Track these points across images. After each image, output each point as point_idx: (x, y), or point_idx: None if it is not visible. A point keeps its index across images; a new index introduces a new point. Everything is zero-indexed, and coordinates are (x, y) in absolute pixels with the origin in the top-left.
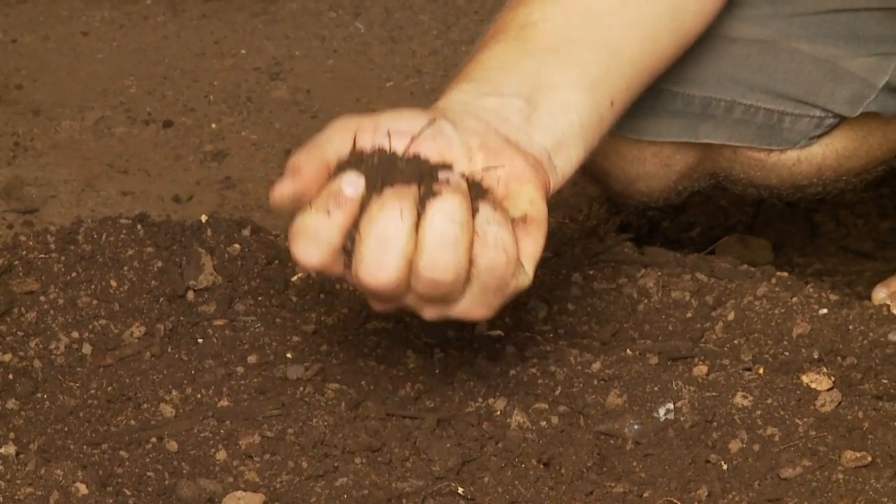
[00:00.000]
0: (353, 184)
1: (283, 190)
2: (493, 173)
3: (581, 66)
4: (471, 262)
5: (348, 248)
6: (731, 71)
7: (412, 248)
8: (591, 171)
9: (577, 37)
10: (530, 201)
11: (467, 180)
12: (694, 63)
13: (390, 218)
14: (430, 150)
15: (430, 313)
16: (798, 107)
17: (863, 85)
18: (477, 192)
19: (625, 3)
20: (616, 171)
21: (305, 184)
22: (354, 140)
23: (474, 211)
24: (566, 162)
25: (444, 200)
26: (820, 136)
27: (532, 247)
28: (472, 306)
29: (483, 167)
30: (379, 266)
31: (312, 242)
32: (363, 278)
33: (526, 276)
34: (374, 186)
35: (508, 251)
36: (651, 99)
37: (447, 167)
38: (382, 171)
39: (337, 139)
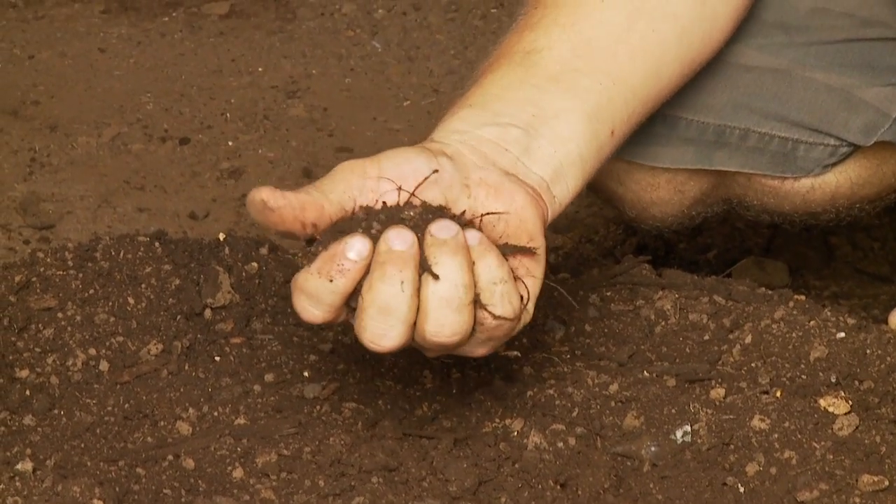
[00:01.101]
0: (356, 250)
1: (273, 216)
2: (493, 216)
3: (583, 95)
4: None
5: (352, 304)
6: (746, 99)
7: (414, 314)
8: (606, 196)
9: (580, 65)
10: (530, 237)
11: (468, 221)
12: (709, 91)
13: (391, 287)
14: (431, 195)
15: (432, 355)
16: (812, 135)
17: (877, 114)
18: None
19: (630, 32)
20: (630, 196)
21: (299, 224)
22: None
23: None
24: (564, 192)
25: (445, 266)
26: (834, 165)
27: (533, 285)
28: (476, 349)
29: (483, 211)
30: (381, 335)
31: (315, 303)
32: (367, 344)
33: (528, 315)
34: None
35: (514, 306)
36: (666, 127)
37: (448, 216)
38: (385, 225)
39: (340, 186)
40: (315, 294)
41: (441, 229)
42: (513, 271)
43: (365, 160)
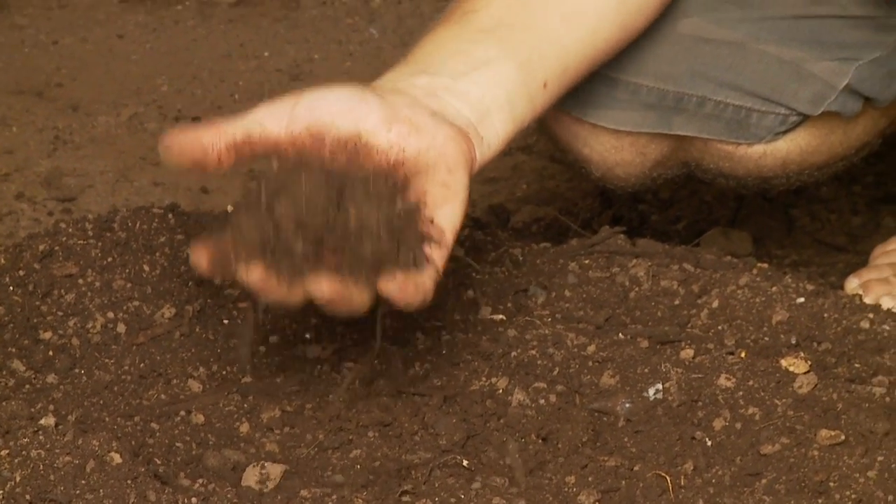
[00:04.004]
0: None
1: (174, 151)
2: (411, 149)
3: (514, 46)
4: None
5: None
6: (703, 69)
7: None
8: (574, 158)
9: (513, 22)
10: (448, 170)
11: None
12: (669, 60)
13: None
14: (345, 125)
15: None
16: (764, 104)
17: (825, 86)
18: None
19: None
20: (596, 157)
21: (199, 148)
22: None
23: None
24: (492, 134)
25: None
26: (784, 133)
27: (451, 216)
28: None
29: (403, 146)
30: None
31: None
32: None
33: (445, 250)
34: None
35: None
36: (629, 93)
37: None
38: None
39: (251, 114)
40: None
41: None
42: (427, 204)
43: (289, 96)
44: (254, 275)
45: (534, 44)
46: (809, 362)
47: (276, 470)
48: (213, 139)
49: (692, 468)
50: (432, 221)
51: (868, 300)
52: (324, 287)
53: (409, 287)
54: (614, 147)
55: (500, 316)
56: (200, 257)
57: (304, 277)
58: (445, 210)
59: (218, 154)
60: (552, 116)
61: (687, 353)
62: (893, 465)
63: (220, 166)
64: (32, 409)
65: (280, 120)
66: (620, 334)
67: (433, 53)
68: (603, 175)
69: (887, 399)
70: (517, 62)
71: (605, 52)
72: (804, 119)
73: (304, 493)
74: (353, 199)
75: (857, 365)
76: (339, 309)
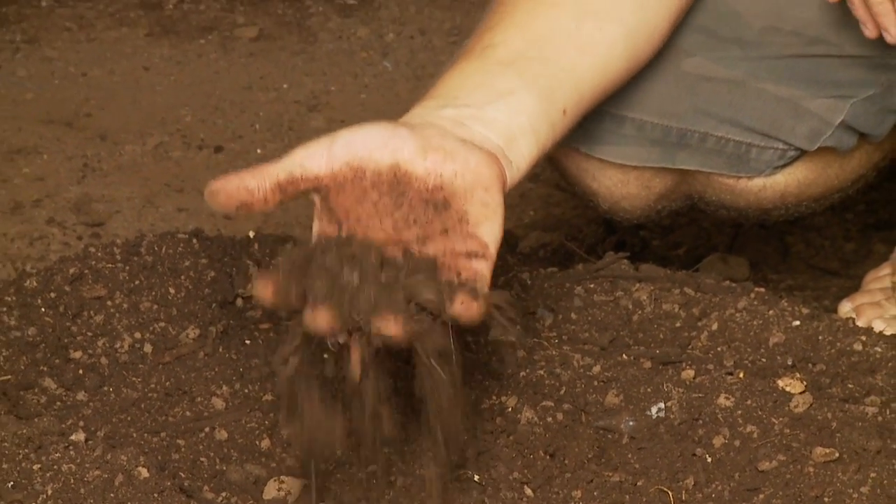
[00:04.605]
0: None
1: (220, 196)
2: (448, 173)
3: (534, 78)
4: None
5: None
6: (705, 106)
7: None
8: (582, 191)
9: (532, 55)
10: (485, 189)
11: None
12: (673, 98)
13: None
14: (382, 157)
15: None
16: (763, 140)
17: (821, 122)
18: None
19: (579, 31)
20: (604, 191)
21: (244, 191)
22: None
23: None
24: (519, 157)
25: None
26: (783, 167)
27: (492, 231)
28: None
29: (440, 172)
30: None
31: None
32: None
33: (489, 264)
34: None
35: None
36: (634, 129)
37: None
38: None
39: (291, 156)
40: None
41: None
42: (469, 223)
43: (323, 137)
44: (320, 319)
45: (551, 74)
46: (805, 382)
47: (295, 484)
48: (258, 183)
49: (693, 483)
50: (475, 237)
51: (861, 323)
52: (391, 327)
53: (473, 304)
54: (621, 181)
55: (511, 338)
56: (265, 291)
57: (371, 321)
58: (486, 227)
59: (264, 195)
60: (562, 153)
61: (688, 373)
62: (886, 482)
63: (267, 206)
64: (63, 426)
65: (319, 159)
66: (624, 355)
67: (457, 87)
68: (610, 208)
69: (879, 418)
70: (537, 92)
71: (615, 81)
72: (802, 154)
73: None
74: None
75: (850, 385)
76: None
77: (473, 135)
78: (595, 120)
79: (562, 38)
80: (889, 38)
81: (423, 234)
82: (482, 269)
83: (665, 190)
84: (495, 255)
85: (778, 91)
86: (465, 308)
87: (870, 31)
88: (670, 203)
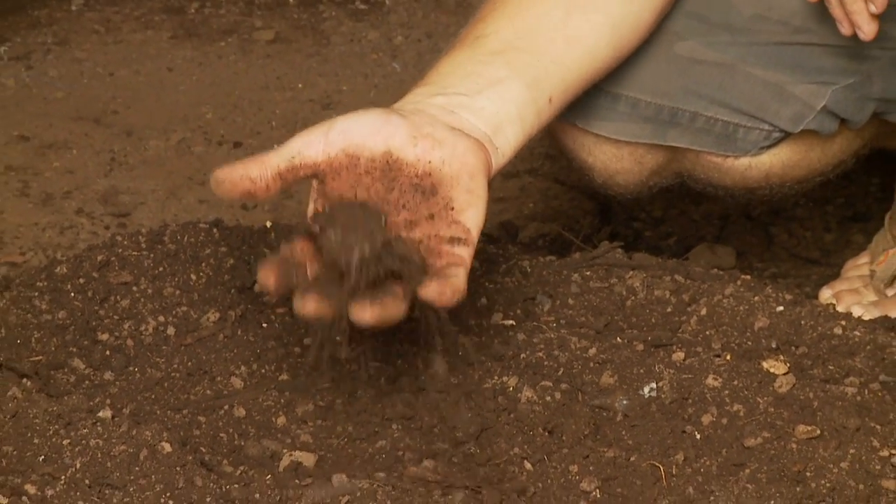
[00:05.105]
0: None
1: (225, 185)
2: (437, 160)
3: (522, 67)
4: None
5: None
6: (696, 87)
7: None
8: (579, 166)
9: (521, 45)
10: (471, 176)
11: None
12: (665, 78)
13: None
14: (375, 144)
15: None
16: (750, 121)
17: (804, 106)
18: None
19: (566, 22)
20: (599, 165)
21: (248, 181)
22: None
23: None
24: (505, 144)
25: None
26: (768, 147)
27: (475, 217)
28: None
29: (428, 159)
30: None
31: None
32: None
33: (470, 250)
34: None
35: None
36: (628, 107)
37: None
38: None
39: (289, 144)
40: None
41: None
42: (454, 209)
43: (321, 124)
44: (308, 306)
45: (539, 64)
46: (788, 364)
47: (309, 458)
48: (259, 172)
49: (683, 459)
50: (459, 223)
51: (840, 309)
52: (366, 315)
53: (447, 291)
54: (615, 156)
55: (511, 321)
56: (268, 279)
57: (352, 306)
58: (470, 213)
59: (266, 184)
60: (561, 128)
61: (678, 355)
62: (864, 458)
63: (268, 193)
64: (91, 403)
65: (317, 146)
66: (618, 338)
67: (449, 75)
68: (605, 182)
69: (858, 398)
70: (525, 81)
71: (600, 70)
72: (786, 136)
73: (335, 479)
74: (387, 229)
75: (830, 367)
76: (381, 327)
77: (462, 123)
78: (592, 97)
79: (550, 30)
80: (862, 36)
81: (410, 219)
82: (464, 254)
83: (657, 166)
84: (476, 240)
85: (765, 76)
86: (438, 294)
87: (845, 29)
88: (662, 179)
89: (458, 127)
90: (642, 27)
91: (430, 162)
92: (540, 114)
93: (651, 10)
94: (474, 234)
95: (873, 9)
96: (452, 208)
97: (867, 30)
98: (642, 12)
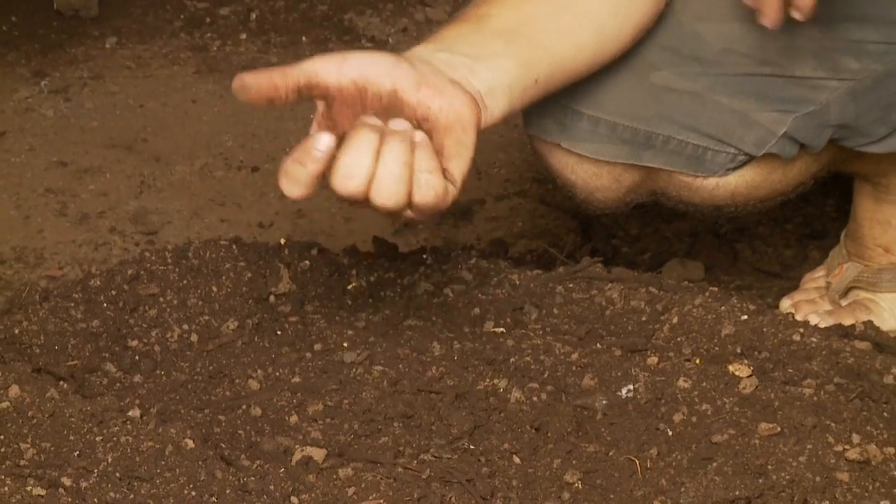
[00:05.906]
0: (324, 145)
1: (252, 91)
2: (435, 108)
3: (517, 49)
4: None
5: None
6: (669, 113)
7: (371, 172)
8: (562, 183)
9: (519, 31)
10: (463, 127)
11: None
12: (641, 104)
13: (357, 152)
14: (383, 83)
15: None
16: (718, 144)
17: (767, 132)
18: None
19: (559, 18)
20: (580, 183)
21: (272, 87)
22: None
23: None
24: (495, 107)
25: (395, 146)
26: (734, 169)
27: (460, 166)
28: (415, 216)
29: (427, 104)
30: (348, 178)
31: (293, 183)
32: (335, 186)
33: (454, 190)
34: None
35: (437, 190)
36: (608, 129)
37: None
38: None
39: (308, 63)
40: (294, 175)
41: (397, 123)
42: (443, 156)
43: (337, 53)
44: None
45: (532, 49)
46: (751, 368)
47: (319, 453)
48: (282, 80)
49: (657, 453)
50: (446, 169)
51: (798, 317)
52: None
53: (430, 190)
54: (595, 174)
55: (501, 329)
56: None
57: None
58: (456, 162)
59: (285, 93)
60: (547, 149)
61: (652, 360)
62: (820, 452)
63: (284, 102)
64: (122, 403)
65: (332, 71)
66: (598, 344)
67: (454, 39)
68: (585, 198)
69: (815, 398)
70: (518, 61)
71: (581, 67)
72: (750, 159)
73: (342, 471)
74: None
75: (790, 370)
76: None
77: (461, 78)
78: (575, 120)
79: (545, 23)
80: (765, 22)
81: None
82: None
83: (633, 184)
84: (459, 188)
85: (731, 103)
86: (426, 190)
87: (766, 20)
88: (637, 196)
89: (457, 81)
90: (623, 39)
91: (429, 108)
92: (526, 91)
93: (633, 27)
94: (458, 181)
95: (798, 16)
96: (442, 155)
97: (772, 16)
98: (625, 25)
